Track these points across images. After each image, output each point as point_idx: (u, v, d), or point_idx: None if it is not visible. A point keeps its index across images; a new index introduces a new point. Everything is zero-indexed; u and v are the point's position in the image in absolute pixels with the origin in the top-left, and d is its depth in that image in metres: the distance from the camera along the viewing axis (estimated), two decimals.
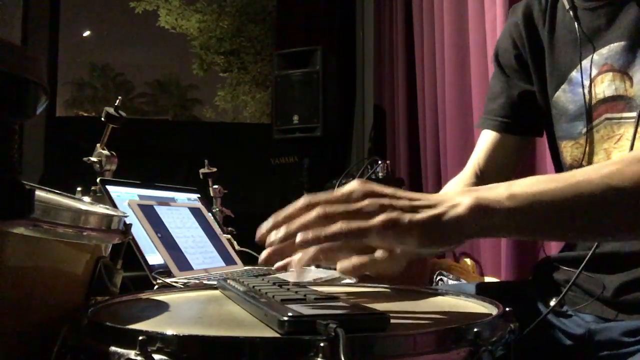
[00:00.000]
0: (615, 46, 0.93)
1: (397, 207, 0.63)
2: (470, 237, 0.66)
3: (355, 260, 0.65)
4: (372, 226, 0.62)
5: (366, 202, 0.64)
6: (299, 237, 0.62)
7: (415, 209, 0.64)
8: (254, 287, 0.71)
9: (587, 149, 0.96)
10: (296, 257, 0.66)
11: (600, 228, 0.70)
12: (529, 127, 1.12)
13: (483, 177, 1.13)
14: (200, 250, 1.33)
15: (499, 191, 0.66)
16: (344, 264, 0.65)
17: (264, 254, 0.74)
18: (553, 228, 0.70)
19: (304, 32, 4.42)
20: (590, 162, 0.96)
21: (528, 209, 0.65)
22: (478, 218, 0.64)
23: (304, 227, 0.63)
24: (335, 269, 0.67)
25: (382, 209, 0.63)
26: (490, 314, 0.65)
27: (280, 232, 0.65)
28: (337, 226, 0.61)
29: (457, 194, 0.66)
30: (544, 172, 1.87)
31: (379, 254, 0.75)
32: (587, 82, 0.96)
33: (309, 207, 0.65)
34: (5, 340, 0.62)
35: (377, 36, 3.92)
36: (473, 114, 2.33)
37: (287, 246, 0.74)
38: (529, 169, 1.93)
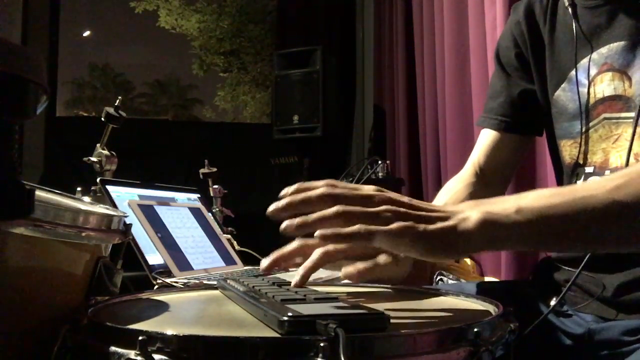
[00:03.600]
0: (615, 46, 0.93)
1: (412, 216, 0.66)
2: (478, 249, 0.68)
3: (359, 265, 0.66)
4: (389, 231, 0.63)
5: (384, 207, 0.66)
6: (318, 232, 0.63)
7: (429, 220, 0.66)
8: (254, 287, 0.71)
9: (584, 148, 0.97)
10: (305, 263, 0.68)
11: (604, 240, 0.72)
12: (528, 126, 1.12)
13: (483, 176, 1.13)
14: (200, 250, 1.33)
15: (506, 205, 0.68)
16: (348, 269, 0.67)
17: (266, 262, 0.77)
18: (558, 240, 0.71)
19: (304, 32, 4.42)
20: (587, 162, 0.97)
21: (535, 223, 0.67)
22: (486, 231, 0.66)
23: (322, 221, 0.65)
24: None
25: (398, 216, 0.65)
26: (490, 314, 0.65)
27: (296, 220, 0.66)
28: (356, 227, 0.63)
29: (467, 207, 0.68)
30: (544, 172, 1.87)
31: (382, 259, 0.76)
32: (586, 81, 0.96)
33: (327, 198, 0.67)
34: (6, 340, 0.62)
35: (377, 36, 3.92)
36: (473, 114, 2.32)
37: (290, 252, 0.77)
38: (529, 168, 1.93)
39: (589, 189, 0.70)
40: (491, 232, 0.66)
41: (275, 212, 0.69)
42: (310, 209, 0.67)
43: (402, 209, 0.66)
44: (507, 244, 0.69)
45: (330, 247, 0.64)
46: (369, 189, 0.69)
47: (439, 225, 0.65)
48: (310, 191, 0.68)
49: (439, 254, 0.66)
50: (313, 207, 0.67)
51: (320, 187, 0.69)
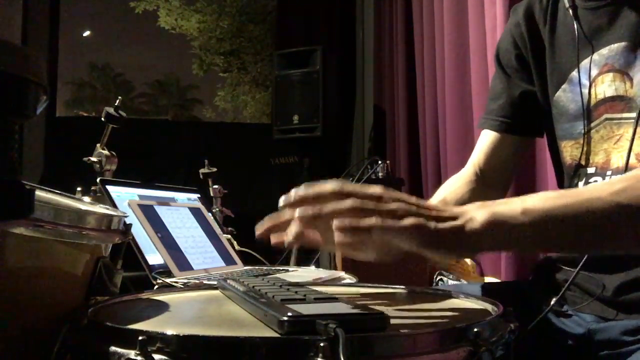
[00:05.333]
0: (616, 46, 0.93)
1: (423, 215, 0.67)
2: (486, 250, 0.70)
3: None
4: (403, 227, 0.65)
5: (395, 205, 0.67)
6: (336, 222, 0.65)
7: (439, 219, 0.68)
8: (254, 287, 0.71)
9: (586, 149, 0.97)
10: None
11: (608, 242, 0.74)
12: (529, 128, 1.12)
13: (483, 176, 1.13)
14: (200, 250, 1.33)
15: (513, 206, 0.70)
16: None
17: (259, 228, 0.75)
18: (563, 242, 0.73)
19: (304, 32, 4.41)
20: (588, 162, 0.97)
21: (541, 224, 0.69)
22: (493, 232, 0.68)
23: (337, 214, 0.66)
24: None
25: (410, 214, 0.67)
26: (490, 314, 0.65)
27: (310, 209, 0.67)
28: (373, 220, 0.65)
29: (473, 208, 0.70)
30: (544, 173, 1.87)
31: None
32: (587, 82, 0.96)
33: (339, 195, 0.68)
34: (6, 339, 0.62)
35: (377, 36, 3.92)
36: (473, 114, 2.32)
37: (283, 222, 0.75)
38: (529, 169, 1.92)
39: (593, 191, 0.72)
40: (498, 232, 0.68)
41: (287, 205, 0.70)
42: (321, 204, 0.68)
43: (412, 208, 0.68)
44: (513, 244, 0.71)
45: (358, 236, 0.65)
46: (377, 188, 0.71)
47: (449, 224, 0.67)
48: (321, 188, 0.70)
49: (449, 253, 0.68)
50: (325, 203, 0.68)
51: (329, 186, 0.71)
